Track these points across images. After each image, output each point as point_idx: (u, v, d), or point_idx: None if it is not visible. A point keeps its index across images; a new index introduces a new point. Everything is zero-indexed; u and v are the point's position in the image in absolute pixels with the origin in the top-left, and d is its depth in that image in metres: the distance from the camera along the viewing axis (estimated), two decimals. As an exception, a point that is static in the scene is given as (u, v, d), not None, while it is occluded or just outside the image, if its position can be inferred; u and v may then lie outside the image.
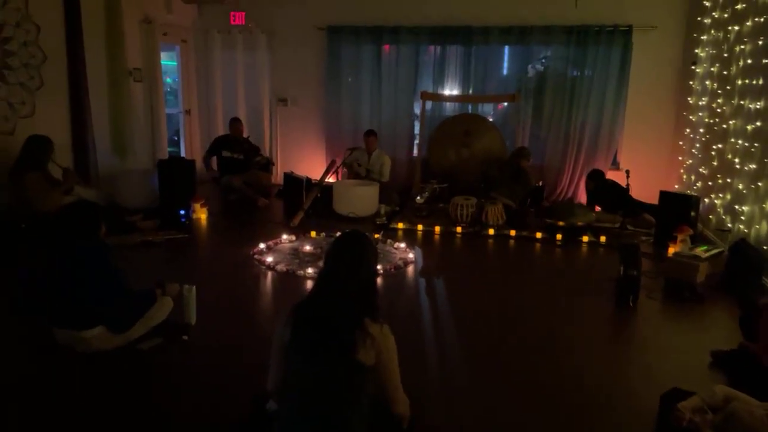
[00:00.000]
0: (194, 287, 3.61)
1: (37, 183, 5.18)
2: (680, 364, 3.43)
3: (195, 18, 8.32)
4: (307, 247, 5.31)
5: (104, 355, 3.16)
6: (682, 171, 6.96)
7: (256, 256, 5.08)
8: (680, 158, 7.04)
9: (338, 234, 2.43)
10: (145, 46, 7.34)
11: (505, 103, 8.21)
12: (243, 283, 4.58)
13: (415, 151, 8.23)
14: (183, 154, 8.56)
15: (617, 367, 3.42)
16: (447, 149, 7.69)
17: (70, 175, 5.49)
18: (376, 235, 5.72)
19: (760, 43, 4.86)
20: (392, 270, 4.87)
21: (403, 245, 5.50)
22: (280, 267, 4.79)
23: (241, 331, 3.69)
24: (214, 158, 7.50)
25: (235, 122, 7.50)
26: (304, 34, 8.16)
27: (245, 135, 7.64)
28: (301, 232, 5.88)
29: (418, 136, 8.24)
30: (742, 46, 5.28)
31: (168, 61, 8.48)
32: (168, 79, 8.65)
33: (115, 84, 6.84)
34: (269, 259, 4.94)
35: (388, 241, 5.65)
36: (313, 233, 5.83)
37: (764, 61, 4.76)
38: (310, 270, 4.69)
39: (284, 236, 5.63)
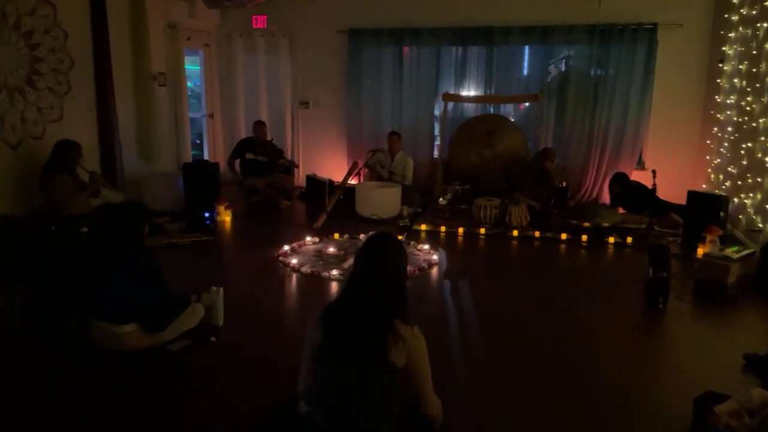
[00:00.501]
0: (222, 289, 3.64)
1: (65, 186, 5.28)
2: (713, 366, 3.37)
3: (218, 22, 8.39)
4: (331, 249, 5.32)
5: (134, 355, 3.20)
6: (709, 170, 6.84)
7: (280, 258, 5.11)
8: (708, 157, 6.92)
9: (367, 236, 2.42)
10: (169, 50, 7.44)
11: (527, 104, 8.14)
12: (269, 285, 4.61)
13: (437, 153, 8.20)
14: (206, 157, 8.64)
15: (648, 370, 3.35)
16: (469, 150, 7.65)
17: (96, 178, 5.59)
18: (400, 237, 5.71)
19: (792, 39, 4.77)
20: (416, 272, 4.86)
21: (426, 247, 5.48)
22: (305, 269, 4.80)
23: (268, 333, 3.70)
24: (238, 161, 7.55)
25: (259, 125, 7.54)
26: (325, 37, 8.19)
27: (269, 138, 7.69)
28: (324, 234, 5.90)
29: (439, 138, 8.21)
30: (773, 43, 5.18)
31: (190, 65, 8.57)
32: (190, 83, 8.75)
33: (140, 88, 6.95)
34: (294, 261, 4.96)
35: (412, 242, 5.64)
36: (336, 235, 5.84)
37: (796, 57, 4.66)
38: (335, 272, 4.70)
39: (308, 238, 5.65)
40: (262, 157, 7.45)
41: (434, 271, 4.99)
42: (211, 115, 8.61)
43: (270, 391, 2.92)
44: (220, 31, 8.47)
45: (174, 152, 7.68)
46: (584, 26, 7.34)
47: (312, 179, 7.10)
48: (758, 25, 5.55)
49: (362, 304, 2.11)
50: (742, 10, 6.06)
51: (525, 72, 8.10)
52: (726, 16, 6.48)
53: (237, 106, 8.61)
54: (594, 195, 7.70)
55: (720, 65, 6.67)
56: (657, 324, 4.07)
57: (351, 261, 4.95)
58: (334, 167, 8.21)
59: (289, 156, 8.33)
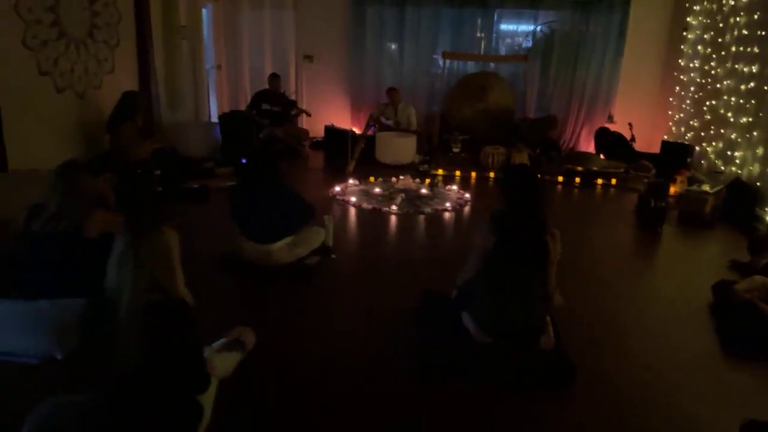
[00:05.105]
0: (331, 216, 4.45)
1: (130, 133, 5.76)
2: (707, 269, 4.51)
3: (225, -23, 8.71)
4: (377, 190, 6.11)
5: (282, 268, 4.00)
6: (671, 124, 8.08)
7: (338, 197, 5.89)
8: (670, 112, 8.14)
9: (512, 167, 3.32)
10: (189, 4, 7.77)
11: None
12: (344, 217, 5.42)
13: (435, 106, 8.98)
14: (213, 107, 9.05)
15: (662, 274, 4.53)
16: (463, 104, 8.51)
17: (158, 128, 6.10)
18: (427, 181, 6.58)
19: (756, 17, 5.90)
20: (457, 207, 5.77)
21: (455, 188, 6.39)
22: (365, 205, 5.63)
23: (365, 251, 4.63)
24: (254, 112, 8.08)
25: (273, 77, 8.05)
26: (330, -6, 8.72)
27: (281, 90, 8.24)
28: (358, 178, 6.63)
29: (437, 92, 8.97)
30: (738, 18, 6.30)
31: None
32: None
33: (168, 41, 7.31)
34: (353, 199, 5.76)
35: (440, 184, 6.51)
36: (371, 179, 6.61)
37: (760, 32, 5.80)
38: (394, 207, 5.56)
39: (350, 181, 6.42)
40: (276, 107, 8.02)
41: (467, 208, 5.91)
42: (219, 67, 9.01)
43: (399, 287, 3.82)
44: (227, -14, 8.79)
45: (192, 102, 8.10)
46: (569, -6, 8.30)
47: (331, 129, 7.78)
48: (723, 2, 6.67)
49: (530, 217, 2.98)
50: (707, -13, 7.17)
51: (515, 33, 8.99)
52: (691, -10, 7.60)
53: (242, 59, 9.03)
54: (572, 144, 8.82)
55: (684, 33, 7.82)
56: (658, 243, 5.22)
57: (398, 199, 5.82)
58: (337, 119, 8.85)
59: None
